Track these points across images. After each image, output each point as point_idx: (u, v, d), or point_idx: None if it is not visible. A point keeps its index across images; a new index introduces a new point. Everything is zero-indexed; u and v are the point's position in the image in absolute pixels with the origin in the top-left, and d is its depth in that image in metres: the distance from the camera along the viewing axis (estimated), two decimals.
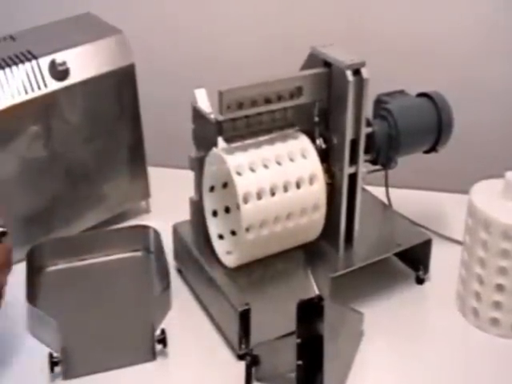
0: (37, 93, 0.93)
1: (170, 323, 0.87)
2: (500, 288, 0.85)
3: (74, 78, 0.96)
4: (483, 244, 0.86)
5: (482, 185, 0.90)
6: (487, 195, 0.88)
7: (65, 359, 0.79)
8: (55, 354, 0.79)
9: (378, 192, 1.02)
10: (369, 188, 1.01)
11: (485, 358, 0.85)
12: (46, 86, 0.94)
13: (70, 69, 0.95)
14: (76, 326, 0.84)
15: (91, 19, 1.05)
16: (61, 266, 0.97)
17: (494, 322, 0.87)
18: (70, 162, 1.00)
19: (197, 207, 0.92)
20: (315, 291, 0.86)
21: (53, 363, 0.79)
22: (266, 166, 0.85)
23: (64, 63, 0.95)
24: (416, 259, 0.96)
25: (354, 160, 0.89)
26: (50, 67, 0.94)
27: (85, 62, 0.96)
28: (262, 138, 0.88)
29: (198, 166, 0.90)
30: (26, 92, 0.92)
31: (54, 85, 0.94)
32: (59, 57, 0.95)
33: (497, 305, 0.86)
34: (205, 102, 0.89)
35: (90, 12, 1.06)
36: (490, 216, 0.84)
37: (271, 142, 0.88)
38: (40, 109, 0.94)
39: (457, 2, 1.16)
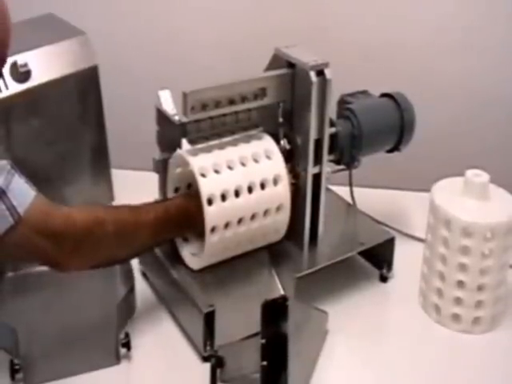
0: None
1: (135, 326, 0.87)
2: (460, 284, 0.87)
3: (35, 80, 0.94)
4: (444, 241, 0.87)
5: (443, 183, 0.92)
6: (448, 193, 0.89)
7: (26, 366, 0.78)
8: (16, 361, 0.78)
9: (342, 191, 1.03)
10: (333, 187, 1.02)
11: (446, 353, 0.86)
12: (6, 87, 0.92)
13: (32, 70, 0.94)
14: (38, 331, 0.83)
15: (53, 20, 1.04)
16: (21, 271, 0.95)
17: (455, 317, 0.89)
18: (32, 166, 0.97)
19: None
20: (280, 291, 0.86)
21: (14, 370, 0.78)
22: (230, 168, 0.85)
23: (25, 65, 0.93)
24: (380, 257, 0.97)
25: (318, 160, 0.89)
26: (12, 69, 0.93)
27: (47, 64, 0.95)
28: (226, 140, 0.88)
29: (163, 168, 0.89)
30: None
31: (15, 87, 0.93)
32: (21, 58, 0.93)
33: (457, 301, 0.88)
34: (169, 103, 0.89)
35: (52, 13, 1.05)
36: (451, 214, 0.86)
37: (235, 143, 0.88)
38: (0, 111, 0.92)
39: (417, 3, 1.18)
